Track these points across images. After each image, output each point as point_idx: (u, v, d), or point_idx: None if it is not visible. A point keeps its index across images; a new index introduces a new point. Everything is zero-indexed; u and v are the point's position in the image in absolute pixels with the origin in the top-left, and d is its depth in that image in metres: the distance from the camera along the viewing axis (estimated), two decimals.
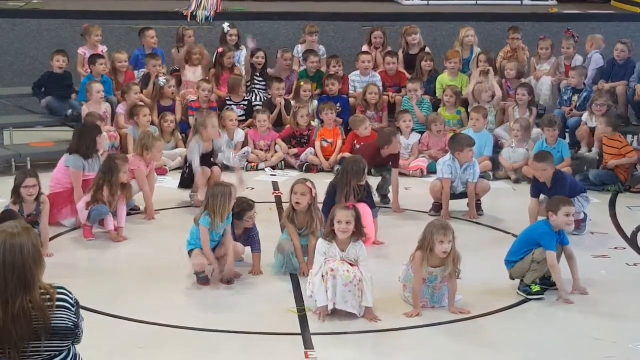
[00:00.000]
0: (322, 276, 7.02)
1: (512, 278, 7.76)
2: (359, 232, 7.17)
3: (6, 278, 4.15)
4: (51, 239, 8.73)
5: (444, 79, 12.72)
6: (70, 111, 11.96)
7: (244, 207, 8.08)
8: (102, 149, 9.83)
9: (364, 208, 8.48)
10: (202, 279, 7.75)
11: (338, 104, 12.17)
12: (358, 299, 7.06)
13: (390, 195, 10.06)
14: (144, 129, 11.23)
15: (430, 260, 7.21)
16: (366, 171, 8.77)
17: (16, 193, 8.26)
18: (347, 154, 11.43)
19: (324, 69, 13.05)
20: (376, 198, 9.53)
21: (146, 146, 9.71)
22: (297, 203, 7.88)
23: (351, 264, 7.10)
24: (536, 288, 7.60)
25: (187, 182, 10.06)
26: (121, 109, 11.94)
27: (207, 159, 9.88)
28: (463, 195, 9.82)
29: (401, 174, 10.32)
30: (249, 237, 8.16)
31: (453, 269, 7.22)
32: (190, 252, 7.80)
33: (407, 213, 9.86)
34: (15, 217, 7.47)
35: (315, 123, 12.07)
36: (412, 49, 13.21)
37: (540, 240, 7.60)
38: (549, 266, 7.52)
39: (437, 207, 9.82)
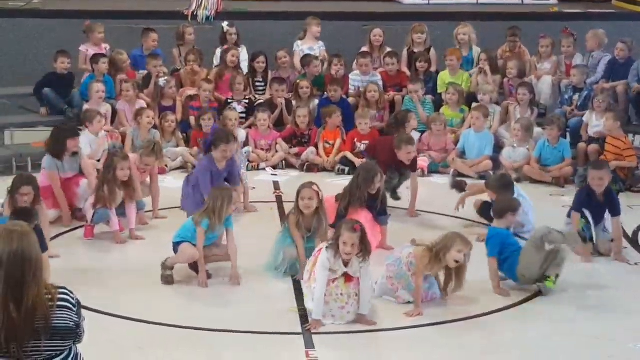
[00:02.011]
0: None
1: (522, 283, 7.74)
2: (364, 251, 6.99)
3: (24, 272, 4.16)
4: (52, 239, 8.72)
5: (444, 76, 12.73)
6: (67, 107, 12.05)
7: (219, 137, 8.07)
8: (77, 149, 9.53)
9: (366, 214, 8.46)
10: (167, 277, 7.76)
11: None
12: (355, 311, 7.07)
13: (401, 193, 9.94)
14: (144, 131, 11.27)
15: (432, 267, 7.26)
16: (377, 179, 8.61)
17: (12, 198, 8.07)
18: (348, 153, 11.49)
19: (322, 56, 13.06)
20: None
21: (143, 154, 9.54)
22: (306, 208, 7.87)
23: (348, 277, 7.04)
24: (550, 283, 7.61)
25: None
26: (121, 106, 11.97)
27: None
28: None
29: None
30: (230, 172, 8.24)
31: (457, 284, 7.32)
32: (177, 244, 7.79)
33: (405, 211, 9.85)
34: (32, 213, 7.50)
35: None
36: (417, 47, 13.22)
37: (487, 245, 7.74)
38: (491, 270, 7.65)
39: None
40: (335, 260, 6.96)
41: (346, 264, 6.97)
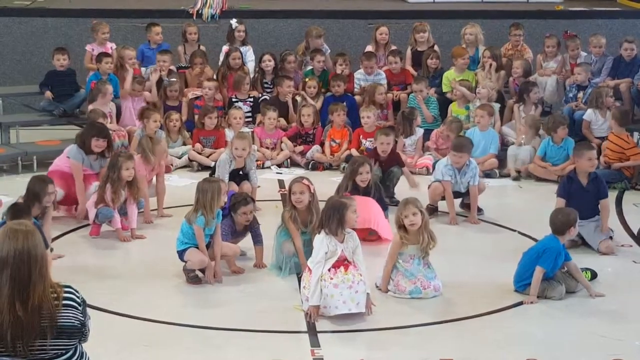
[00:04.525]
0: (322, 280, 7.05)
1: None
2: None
3: (30, 271, 4.17)
4: (57, 238, 8.76)
5: (450, 74, 12.72)
6: (61, 109, 12.06)
7: (239, 201, 8.12)
8: (99, 150, 9.52)
9: (372, 202, 8.52)
10: (193, 278, 7.77)
11: (344, 103, 12.15)
12: (364, 291, 7.12)
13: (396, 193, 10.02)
14: (151, 133, 11.24)
15: (406, 238, 7.44)
16: (363, 169, 8.88)
17: (36, 199, 7.99)
18: (354, 151, 11.50)
19: (327, 66, 13.06)
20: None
21: (151, 150, 9.55)
22: (297, 202, 7.92)
23: (345, 264, 7.11)
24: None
25: None
26: (123, 103, 12.01)
27: (236, 174, 9.71)
28: (459, 194, 9.65)
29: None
30: (251, 230, 8.20)
31: (427, 242, 7.44)
32: (182, 251, 7.79)
33: None
34: (27, 211, 7.50)
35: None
36: (420, 46, 13.21)
37: (542, 253, 7.52)
38: (534, 280, 7.46)
39: (431, 210, 9.46)
40: (330, 239, 7.07)
41: (340, 241, 7.10)
